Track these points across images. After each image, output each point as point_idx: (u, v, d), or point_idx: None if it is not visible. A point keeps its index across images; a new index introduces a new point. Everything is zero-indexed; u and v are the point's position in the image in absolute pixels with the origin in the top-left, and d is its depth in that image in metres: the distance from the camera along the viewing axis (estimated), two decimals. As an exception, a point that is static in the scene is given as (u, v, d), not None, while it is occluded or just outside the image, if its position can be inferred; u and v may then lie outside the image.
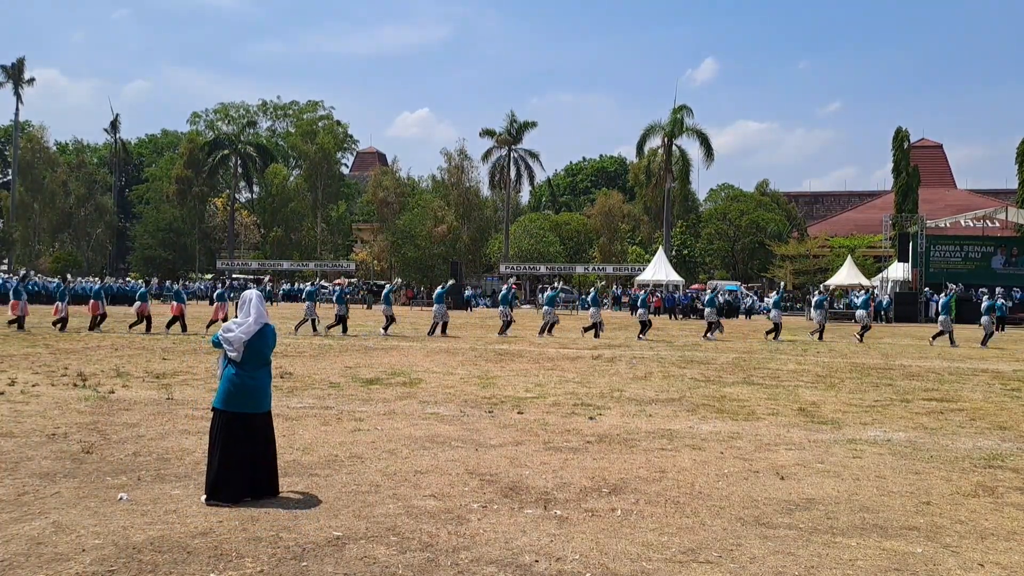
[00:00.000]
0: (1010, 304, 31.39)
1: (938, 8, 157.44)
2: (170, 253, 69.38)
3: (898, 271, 42.62)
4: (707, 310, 22.87)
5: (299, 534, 4.64)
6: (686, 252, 60.82)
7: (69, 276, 33.10)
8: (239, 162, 70.23)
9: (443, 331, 21.78)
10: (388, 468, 6.33)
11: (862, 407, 10.05)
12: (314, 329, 21.38)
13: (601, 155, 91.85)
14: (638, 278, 49.09)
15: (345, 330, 21.22)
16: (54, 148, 75.68)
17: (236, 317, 5.65)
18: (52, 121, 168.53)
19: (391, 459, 6.65)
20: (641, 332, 22.21)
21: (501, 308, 22.88)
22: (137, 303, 21.19)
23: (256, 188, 74.54)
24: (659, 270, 47.30)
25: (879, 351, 19.36)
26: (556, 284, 31.92)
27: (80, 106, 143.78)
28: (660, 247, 52.33)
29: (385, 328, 21.71)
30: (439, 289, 23.05)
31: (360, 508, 5.21)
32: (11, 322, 20.43)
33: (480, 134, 63.60)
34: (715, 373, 13.66)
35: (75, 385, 10.51)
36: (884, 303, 37.86)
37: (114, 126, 75.99)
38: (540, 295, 44.75)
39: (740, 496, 5.69)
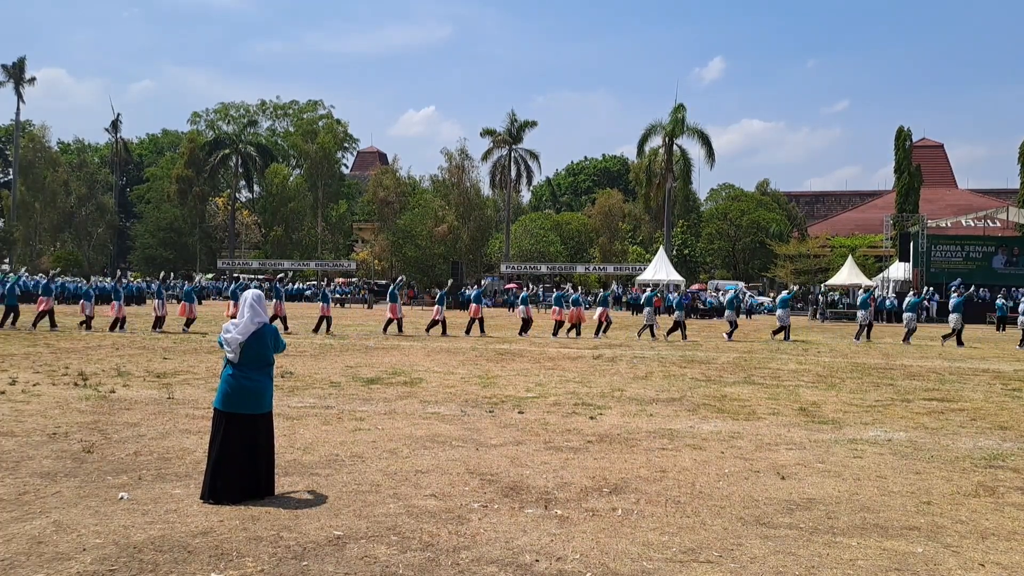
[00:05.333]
0: (1010, 304, 31.35)
1: (941, 9, 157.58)
2: (171, 252, 69.46)
3: (899, 271, 42.60)
4: (727, 312, 22.68)
5: (300, 533, 4.65)
6: (687, 252, 60.82)
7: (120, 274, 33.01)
8: (240, 162, 70.25)
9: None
10: (389, 467, 6.33)
11: (863, 407, 10.05)
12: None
13: (603, 155, 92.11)
14: (639, 278, 49.08)
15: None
16: (55, 148, 75.74)
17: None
18: (57, 121, 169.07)
19: (392, 458, 6.65)
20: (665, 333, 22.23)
21: (520, 307, 23.84)
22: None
23: (257, 188, 74.60)
24: (660, 270, 47.28)
25: (880, 351, 19.35)
26: (578, 287, 32.53)
27: (85, 105, 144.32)
28: (661, 247, 52.28)
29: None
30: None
31: (361, 507, 5.21)
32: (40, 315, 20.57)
33: (481, 133, 63.66)
34: (716, 373, 13.65)
35: (76, 384, 10.51)
36: (893, 303, 37.78)
37: (115, 126, 76.12)
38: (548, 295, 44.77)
39: (741, 496, 5.69)
